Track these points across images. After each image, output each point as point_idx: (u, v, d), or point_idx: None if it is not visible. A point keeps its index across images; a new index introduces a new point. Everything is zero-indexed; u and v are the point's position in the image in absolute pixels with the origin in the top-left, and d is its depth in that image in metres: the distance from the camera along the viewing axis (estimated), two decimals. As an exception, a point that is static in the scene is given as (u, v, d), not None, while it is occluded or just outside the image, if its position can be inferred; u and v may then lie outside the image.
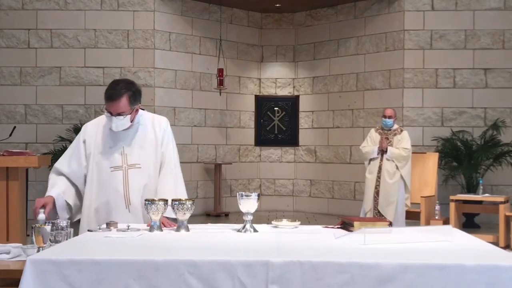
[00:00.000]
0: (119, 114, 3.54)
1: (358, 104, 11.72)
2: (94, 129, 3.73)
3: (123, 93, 3.52)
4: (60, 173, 3.70)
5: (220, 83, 11.56)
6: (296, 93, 12.88)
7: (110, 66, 11.07)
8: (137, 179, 3.64)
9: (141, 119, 3.71)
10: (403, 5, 11.01)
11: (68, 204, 3.63)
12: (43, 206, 3.44)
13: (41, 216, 3.25)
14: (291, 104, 12.89)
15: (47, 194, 3.59)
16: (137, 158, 3.66)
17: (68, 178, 3.69)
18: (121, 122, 3.57)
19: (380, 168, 8.46)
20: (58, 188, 3.62)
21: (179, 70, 11.54)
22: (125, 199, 3.61)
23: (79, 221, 3.71)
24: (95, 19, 11.08)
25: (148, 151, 3.70)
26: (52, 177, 3.70)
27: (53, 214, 3.50)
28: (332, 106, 12.21)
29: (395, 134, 8.58)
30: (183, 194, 3.66)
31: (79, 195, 3.70)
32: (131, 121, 3.62)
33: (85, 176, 3.69)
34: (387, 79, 11.28)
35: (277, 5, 12.21)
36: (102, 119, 3.75)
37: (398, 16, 11.11)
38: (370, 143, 8.61)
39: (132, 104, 3.57)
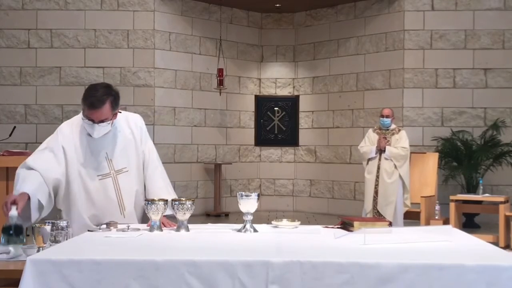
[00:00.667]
0: (101, 121, 3.41)
1: (358, 104, 11.72)
2: (70, 134, 3.53)
3: (105, 99, 3.38)
4: (32, 169, 3.41)
5: (220, 83, 11.56)
6: (296, 93, 12.88)
7: (110, 66, 11.07)
8: (128, 184, 3.56)
9: (117, 121, 3.56)
10: (403, 5, 11.01)
11: (40, 204, 3.34)
12: (14, 202, 3.13)
13: (13, 212, 3.05)
14: (291, 104, 12.89)
15: (20, 189, 3.29)
16: (122, 162, 3.56)
17: (42, 176, 3.40)
18: (103, 129, 3.44)
19: (378, 167, 8.48)
20: (31, 184, 3.32)
21: (179, 70, 11.54)
22: (120, 206, 3.54)
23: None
24: (95, 19, 11.08)
25: (131, 153, 3.60)
26: (23, 171, 3.41)
27: (23, 212, 3.19)
28: (332, 106, 12.21)
29: (393, 134, 8.59)
30: (172, 191, 3.65)
31: (50, 197, 3.42)
32: (111, 125, 3.48)
33: (58, 181, 3.45)
34: (387, 79, 11.28)
35: (277, 5, 12.21)
36: (76, 121, 3.58)
37: (398, 16, 11.11)
38: (368, 143, 8.63)
39: (114, 109, 3.45)
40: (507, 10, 10.85)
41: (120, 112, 3.61)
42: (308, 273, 2.47)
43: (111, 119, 3.45)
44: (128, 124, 3.64)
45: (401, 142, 8.50)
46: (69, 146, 3.50)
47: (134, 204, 3.59)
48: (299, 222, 3.54)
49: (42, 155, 3.49)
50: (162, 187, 3.63)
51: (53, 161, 3.46)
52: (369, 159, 8.59)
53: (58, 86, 11.05)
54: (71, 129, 3.56)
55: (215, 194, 11.80)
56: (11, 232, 2.97)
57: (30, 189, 3.29)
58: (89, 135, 3.50)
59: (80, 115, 3.55)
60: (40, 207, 3.34)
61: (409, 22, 10.99)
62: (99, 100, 3.37)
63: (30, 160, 3.46)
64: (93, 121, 3.40)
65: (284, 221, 3.53)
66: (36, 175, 3.38)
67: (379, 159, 8.49)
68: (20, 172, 3.42)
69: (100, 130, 3.44)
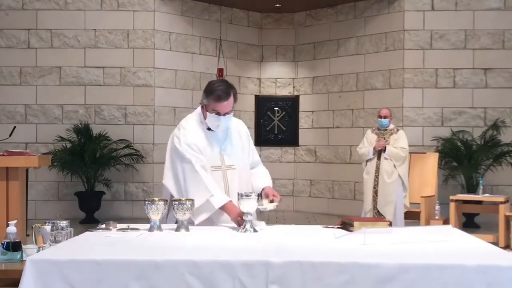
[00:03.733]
0: (226, 113, 3.58)
1: (358, 104, 11.72)
2: (193, 129, 3.67)
3: (230, 92, 3.59)
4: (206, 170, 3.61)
5: (220, 83, 11.55)
6: (296, 93, 12.88)
7: (110, 66, 11.07)
8: (235, 180, 3.67)
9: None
10: (403, 5, 11.01)
11: None
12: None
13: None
14: (291, 104, 12.89)
15: (224, 199, 3.48)
16: (232, 159, 3.70)
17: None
18: (228, 122, 3.64)
19: (377, 168, 8.49)
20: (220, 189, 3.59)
21: (179, 70, 11.54)
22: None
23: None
24: (95, 19, 11.08)
25: (239, 152, 3.76)
26: (202, 173, 3.54)
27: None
28: (332, 106, 12.21)
29: (391, 134, 8.60)
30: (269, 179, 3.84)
31: None
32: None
33: None
34: (387, 79, 11.28)
35: (277, 5, 12.21)
36: (195, 120, 3.70)
37: (398, 16, 11.11)
38: (367, 144, 8.64)
39: (235, 102, 3.66)
40: (507, 10, 10.85)
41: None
42: (308, 273, 2.47)
43: (233, 112, 3.65)
44: (237, 127, 3.81)
45: (399, 142, 8.50)
46: (197, 140, 3.63)
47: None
48: (277, 203, 3.56)
49: (200, 155, 3.59)
50: (264, 175, 3.84)
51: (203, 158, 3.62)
52: (368, 160, 8.61)
53: (58, 86, 11.04)
54: (192, 124, 3.70)
55: (215, 194, 11.78)
56: (9, 248, 2.97)
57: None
58: (209, 129, 3.65)
59: (192, 115, 3.73)
60: None
61: (409, 22, 10.99)
62: (226, 92, 3.57)
63: (199, 160, 3.57)
64: (219, 114, 3.57)
65: (265, 202, 3.55)
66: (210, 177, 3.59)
67: (378, 159, 8.50)
68: (201, 173, 3.53)
69: (226, 123, 3.63)
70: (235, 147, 3.73)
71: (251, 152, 3.86)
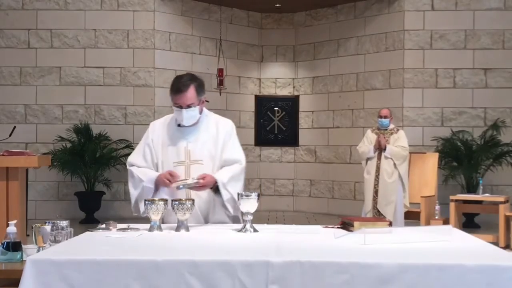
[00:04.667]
0: (188, 106, 3.61)
1: (358, 104, 11.72)
2: (160, 127, 3.81)
3: (189, 84, 3.62)
4: (135, 166, 3.77)
5: (220, 83, 11.55)
6: (296, 93, 12.88)
7: (110, 66, 11.07)
8: (199, 174, 3.62)
9: (206, 118, 3.77)
10: (403, 5, 11.01)
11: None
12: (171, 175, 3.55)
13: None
14: (291, 104, 12.89)
15: (152, 176, 3.63)
16: (200, 154, 3.69)
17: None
18: (191, 114, 3.64)
19: (378, 167, 8.49)
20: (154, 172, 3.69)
21: (179, 70, 11.51)
22: (186, 195, 3.59)
23: None
24: (95, 19, 11.08)
25: (210, 149, 3.72)
26: (135, 168, 3.73)
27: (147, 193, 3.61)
28: (332, 106, 12.21)
29: (391, 134, 8.61)
30: (230, 174, 3.66)
31: None
32: (200, 113, 3.70)
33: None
34: (387, 79, 11.28)
35: (277, 5, 12.21)
36: (168, 117, 3.84)
37: (398, 16, 11.11)
38: (367, 144, 8.64)
39: (199, 95, 3.65)
40: (507, 10, 10.85)
41: (207, 101, 3.86)
42: (308, 273, 2.47)
43: (198, 105, 3.66)
44: (217, 125, 3.79)
45: (400, 141, 8.51)
46: (158, 138, 3.76)
47: (200, 199, 3.60)
48: (194, 180, 3.54)
49: (139, 152, 3.79)
50: (226, 168, 3.69)
51: (149, 156, 3.75)
52: (368, 159, 8.60)
53: (58, 86, 11.04)
54: (162, 122, 3.84)
55: (215, 194, 11.78)
56: (9, 248, 2.96)
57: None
58: (178, 125, 3.72)
59: (171, 114, 3.82)
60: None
61: (409, 22, 10.99)
62: (184, 84, 3.62)
63: (133, 159, 3.79)
64: (181, 107, 3.61)
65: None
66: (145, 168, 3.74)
67: (378, 159, 8.50)
68: (133, 170, 3.73)
69: (189, 116, 3.65)
70: (206, 143, 3.72)
71: (230, 149, 3.75)
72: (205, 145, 3.72)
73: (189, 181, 3.53)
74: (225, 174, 3.63)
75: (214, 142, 3.73)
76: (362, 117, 11.63)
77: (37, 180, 10.59)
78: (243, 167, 3.74)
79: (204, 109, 3.78)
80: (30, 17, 11.02)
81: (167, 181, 3.53)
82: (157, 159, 3.74)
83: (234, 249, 2.77)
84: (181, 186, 3.51)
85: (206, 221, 3.66)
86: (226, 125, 3.82)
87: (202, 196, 3.63)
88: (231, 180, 3.62)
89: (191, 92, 3.61)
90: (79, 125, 10.81)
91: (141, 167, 3.73)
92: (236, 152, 3.78)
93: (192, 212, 3.34)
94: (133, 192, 3.69)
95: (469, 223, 9.98)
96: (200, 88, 3.67)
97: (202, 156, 3.70)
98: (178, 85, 3.63)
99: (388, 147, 8.45)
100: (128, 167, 3.80)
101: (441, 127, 10.92)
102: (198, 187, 3.52)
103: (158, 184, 3.62)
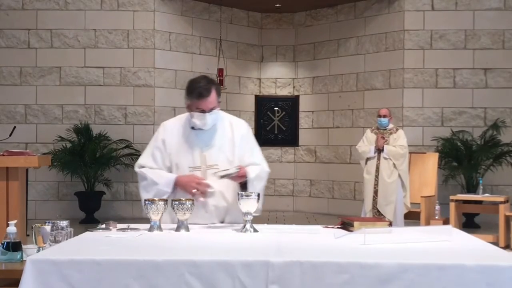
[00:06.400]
0: (211, 110, 3.54)
1: (358, 104, 11.72)
2: (173, 128, 3.70)
3: (211, 87, 3.55)
4: (146, 167, 3.67)
5: (220, 83, 11.55)
6: (296, 93, 12.88)
7: (110, 66, 11.07)
8: (215, 181, 3.57)
9: (220, 120, 3.68)
10: (403, 5, 11.02)
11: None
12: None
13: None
14: (291, 104, 12.89)
15: (169, 178, 3.55)
16: (216, 159, 3.62)
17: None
18: (214, 118, 3.58)
19: (377, 167, 8.49)
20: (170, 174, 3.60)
21: (179, 70, 11.54)
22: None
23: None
24: (95, 19, 11.08)
25: (226, 152, 3.66)
26: (146, 170, 3.64)
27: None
28: (332, 106, 12.21)
29: (391, 133, 8.61)
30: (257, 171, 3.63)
31: None
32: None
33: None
34: (387, 79, 11.28)
35: (277, 5, 12.21)
36: (180, 119, 3.74)
37: (398, 16, 11.11)
38: (367, 143, 8.64)
39: (218, 97, 3.61)
40: (507, 10, 10.86)
41: (220, 102, 3.73)
42: (308, 273, 2.46)
43: (218, 108, 3.60)
44: (231, 126, 3.73)
45: (399, 141, 8.52)
46: (171, 139, 3.66)
47: (217, 203, 3.59)
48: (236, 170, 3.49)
49: (149, 153, 3.71)
50: (253, 167, 3.65)
51: (159, 157, 3.66)
52: (368, 159, 8.60)
53: (58, 86, 11.05)
54: (174, 123, 3.75)
55: (215, 194, 11.78)
56: (9, 248, 2.96)
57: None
58: (192, 128, 3.62)
59: (183, 115, 3.72)
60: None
61: (409, 22, 10.99)
62: (206, 89, 3.54)
63: (143, 161, 3.70)
64: (204, 111, 3.54)
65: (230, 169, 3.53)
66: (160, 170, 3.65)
67: (378, 159, 8.50)
68: (145, 171, 3.64)
69: (212, 119, 3.57)
70: (222, 148, 3.65)
71: (249, 153, 3.72)
72: (221, 149, 3.66)
73: (231, 170, 3.46)
74: (253, 170, 3.61)
75: (230, 146, 3.67)
76: (362, 117, 11.63)
77: (37, 180, 10.60)
78: (268, 171, 3.78)
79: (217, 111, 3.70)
80: (30, 17, 11.02)
81: (197, 192, 3.46)
82: (170, 162, 3.64)
83: (234, 249, 2.77)
84: (223, 175, 3.46)
85: (222, 221, 3.64)
86: (241, 128, 3.75)
87: (228, 198, 3.60)
88: (257, 177, 3.62)
89: (213, 96, 3.54)
90: (79, 125, 10.81)
91: (152, 168, 3.65)
92: (256, 156, 3.76)
93: (209, 211, 3.40)
94: (145, 196, 3.52)
95: (469, 223, 9.98)
96: (219, 90, 3.63)
97: (218, 160, 3.63)
98: (200, 90, 3.52)
99: (385, 147, 8.45)
100: (137, 169, 3.70)
101: (441, 127, 10.92)
102: (237, 176, 3.49)
103: (181, 188, 3.53)
